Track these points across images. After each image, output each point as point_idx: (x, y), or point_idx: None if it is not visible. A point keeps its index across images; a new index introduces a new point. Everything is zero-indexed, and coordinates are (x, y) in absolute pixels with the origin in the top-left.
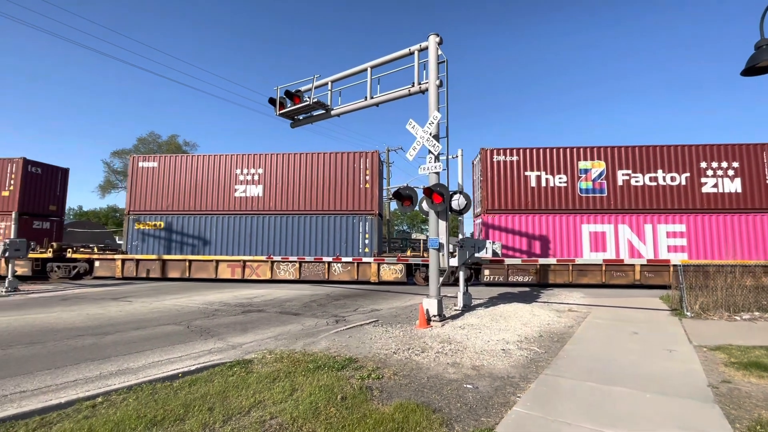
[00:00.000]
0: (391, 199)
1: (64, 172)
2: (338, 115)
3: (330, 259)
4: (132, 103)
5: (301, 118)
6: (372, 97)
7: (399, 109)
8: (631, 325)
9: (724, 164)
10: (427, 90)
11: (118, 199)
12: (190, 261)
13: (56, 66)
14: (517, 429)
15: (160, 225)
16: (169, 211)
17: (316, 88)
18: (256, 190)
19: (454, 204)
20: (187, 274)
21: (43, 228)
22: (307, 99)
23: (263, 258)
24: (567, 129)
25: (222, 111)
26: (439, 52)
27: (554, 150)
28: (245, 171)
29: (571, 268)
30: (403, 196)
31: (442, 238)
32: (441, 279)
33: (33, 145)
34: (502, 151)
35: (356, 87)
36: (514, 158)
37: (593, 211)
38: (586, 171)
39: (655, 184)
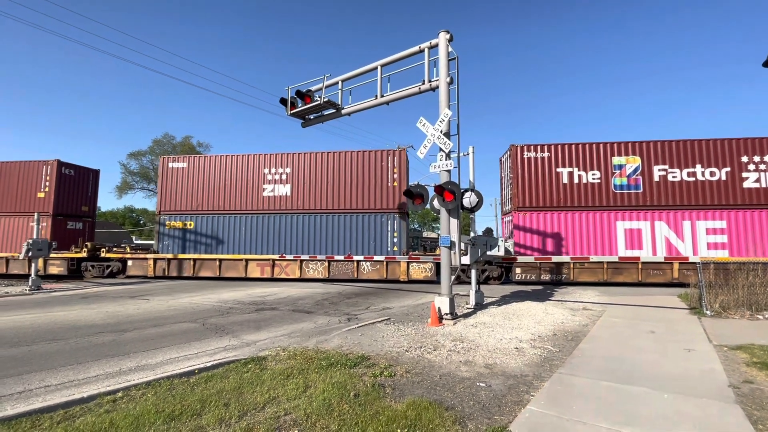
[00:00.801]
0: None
1: (95, 174)
2: (349, 114)
3: (359, 257)
4: (145, 105)
5: (312, 117)
6: (382, 96)
7: (409, 108)
8: (648, 324)
9: (767, 158)
10: (437, 87)
11: (135, 200)
12: (221, 260)
13: (66, 68)
14: (531, 428)
15: (190, 225)
16: (200, 211)
17: (326, 87)
18: (284, 190)
19: (466, 202)
20: (218, 273)
21: (76, 228)
22: (318, 98)
23: (292, 257)
24: (598, 124)
25: (233, 112)
26: (450, 49)
27: (587, 145)
28: (273, 170)
29: (606, 265)
30: (414, 194)
31: (454, 236)
32: (453, 277)
33: (48, 146)
34: (532, 147)
35: (367, 86)
36: (546, 154)
37: (628, 208)
38: (620, 167)
39: (693, 179)
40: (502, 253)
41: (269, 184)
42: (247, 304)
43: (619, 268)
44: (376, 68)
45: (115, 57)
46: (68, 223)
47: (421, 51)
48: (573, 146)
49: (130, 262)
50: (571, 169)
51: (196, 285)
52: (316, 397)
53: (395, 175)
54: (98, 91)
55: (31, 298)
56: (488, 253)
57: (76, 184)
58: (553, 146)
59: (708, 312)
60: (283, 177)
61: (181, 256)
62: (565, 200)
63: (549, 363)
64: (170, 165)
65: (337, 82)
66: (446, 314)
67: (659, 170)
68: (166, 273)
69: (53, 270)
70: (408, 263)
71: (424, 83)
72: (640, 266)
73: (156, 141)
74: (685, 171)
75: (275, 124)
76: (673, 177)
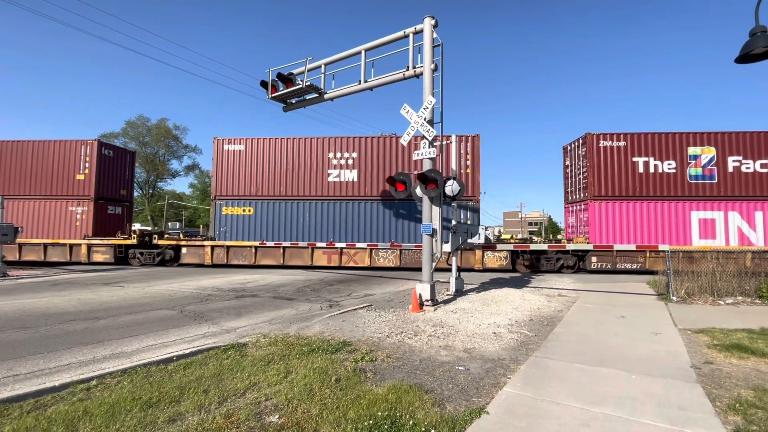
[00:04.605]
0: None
1: (132, 156)
2: (331, 99)
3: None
4: (117, 85)
5: (293, 102)
6: (366, 81)
7: (393, 94)
8: (619, 310)
9: None
10: (421, 74)
11: None
12: (285, 248)
13: (30, 44)
14: (507, 409)
15: (249, 211)
16: (258, 196)
17: (309, 71)
18: (350, 175)
19: (448, 190)
20: (282, 261)
21: (116, 213)
22: (300, 82)
23: (363, 245)
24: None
25: (210, 95)
26: (435, 35)
27: (662, 135)
28: (339, 155)
29: (681, 255)
30: (397, 180)
31: (436, 224)
32: (434, 264)
33: (11, 129)
34: (608, 135)
35: (350, 70)
36: (622, 143)
37: (702, 198)
38: (695, 157)
39: (766, 170)
40: (482, 240)
41: (334, 169)
42: (226, 291)
43: (693, 258)
44: (359, 52)
45: (82, 31)
46: (108, 207)
47: (406, 36)
48: (648, 135)
49: (184, 250)
50: (647, 159)
51: (173, 272)
52: (297, 383)
53: (467, 162)
54: (57, 69)
55: None
56: (469, 241)
57: (114, 166)
58: (629, 135)
59: (674, 298)
60: (350, 162)
61: (241, 243)
62: (641, 189)
63: (525, 347)
64: (225, 147)
65: (319, 66)
66: (427, 300)
67: (733, 161)
68: (225, 261)
69: (98, 257)
70: (483, 252)
71: (408, 69)
72: (714, 255)
73: (129, 123)
74: (758, 162)
75: (262, 109)
76: (747, 168)
